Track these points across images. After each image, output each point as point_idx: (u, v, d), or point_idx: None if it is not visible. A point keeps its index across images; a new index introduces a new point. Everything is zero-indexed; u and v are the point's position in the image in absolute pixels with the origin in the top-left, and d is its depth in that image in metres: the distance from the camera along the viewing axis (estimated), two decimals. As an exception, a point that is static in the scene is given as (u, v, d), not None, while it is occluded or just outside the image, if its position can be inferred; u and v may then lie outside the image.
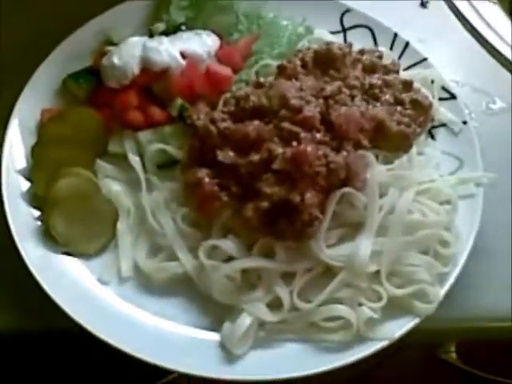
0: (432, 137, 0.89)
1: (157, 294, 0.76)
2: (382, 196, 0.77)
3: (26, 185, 0.81)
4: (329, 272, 0.75)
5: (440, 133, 0.89)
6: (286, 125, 0.77)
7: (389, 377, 1.08)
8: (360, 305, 0.73)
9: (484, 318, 0.81)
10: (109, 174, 0.83)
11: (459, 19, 1.11)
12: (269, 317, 0.73)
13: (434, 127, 0.89)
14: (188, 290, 0.76)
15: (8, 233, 0.76)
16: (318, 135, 0.77)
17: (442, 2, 1.12)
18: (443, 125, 0.90)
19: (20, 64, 0.91)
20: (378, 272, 0.74)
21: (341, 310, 0.73)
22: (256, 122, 0.77)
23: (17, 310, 0.77)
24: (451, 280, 0.76)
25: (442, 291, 0.75)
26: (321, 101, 0.80)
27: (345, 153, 0.77)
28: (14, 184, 0.80)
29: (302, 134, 0.76)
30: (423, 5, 1.12)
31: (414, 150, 0.82)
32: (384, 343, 0.73)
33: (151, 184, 0.81)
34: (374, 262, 0.74)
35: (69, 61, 0.89)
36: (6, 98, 0.86)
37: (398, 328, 0.73)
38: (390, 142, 0.81)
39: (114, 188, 0.82)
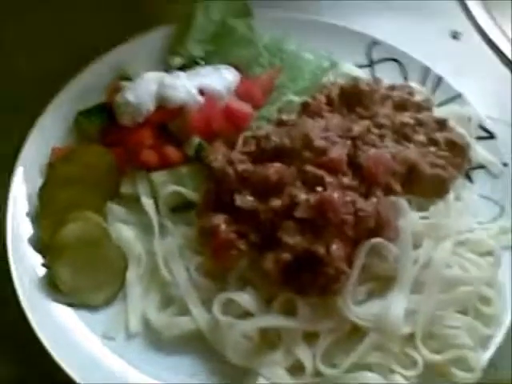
0: (469, 180, 0.83)
1: (165, 353, 0.71)
2: (416, 247, 0.71)
3: (31, 229, 0.77)
4: (356, 333, 0.69)
5: (478, 175, 0.84)
6: (309, 168, 0.72)
7: None
8: (392, 372, 0.67)
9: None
10: (120, 218, 0.79)
11: (494, 51, 1.05)
12: (289, 382, 0.67)
13: (471, 169, 0.83)
14: (200, 348, 0.71)
15: (10, 281, 0.72)
16: (345, 179, 0.72)
17: (476, 34, 1.07)
18: (481, 167, 0.84)
19: (33, 98, 0.88)
20: (412, 334, 0.68)
21: (370, 377, 0.67)
22: (277, 165, 0.73)
23: (17, 361, 0.73)
24: (495, 343, 0.70)
25: (485, 356, 0.69)
26: (348, 141, 0.75)
27: (374, 199, 0.71)
28: (19, 227, 0.77)
29: (328, 179, 0.71)
30: (455, 37, 1.07)
31: (450, 195, 0.76)
32: (420, 416, 0.65)
33: (165, 229, 0.77)
34: (407, 322, 0.68)
35: (82, 96, 0.86)
36: (16, 134, 0.82)
37: (436, 399, 0.66)
38: (424, 187, 0.76)
39: (125, 233, 0.78)
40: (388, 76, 0.90)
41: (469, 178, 0.83)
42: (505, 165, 0.83)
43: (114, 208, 0.79)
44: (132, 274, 0.75)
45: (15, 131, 0.84)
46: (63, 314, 0.72)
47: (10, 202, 0.77)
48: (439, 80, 0.91)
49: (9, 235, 0.75)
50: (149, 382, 0.69)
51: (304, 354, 0.67)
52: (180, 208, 0.79)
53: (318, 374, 0.67)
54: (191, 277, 0.73)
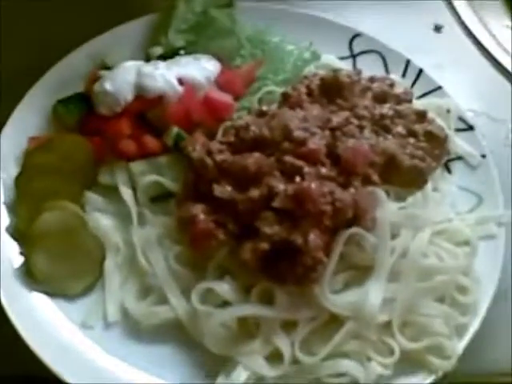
0: (448, 171, 0.84)
1: (144, 342, 0.71)
2: (393, 237, 0.71)
3: (8, 218, 0.76)
4: (334, 321, 0.69)
5: (457, 167, 0.84)
6: (288, 158, 0.72)
7: None
8: (369, 359, 0.68)
9: (508, 373, 0.74)
10: (98, 207, 0.78)
11: (475, 45, 1.06)
12: (267, 371, 0.67)
13: (450, 160, 0.84)
14: (179, 338, 0.71)
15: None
16: (324, 170, 0.71)
17: (457, 27, 1.07)
18: (460, 158, 0.84)
19: (11, 87, 0.87)
20: (389, 323, 0.69)
21: (347, 365, 0.67)
22: (256, 155, 0.73)
23: None
24: (471, 332, 0.70)
25: (461, 345, 0.69)
26: (327, 132, 0.75)
27: (352, 189, 0.71)
28: None
29: (306, 169, 0.70)
30: (437, 29, 1.07)
31: (428, 186, 0.76)
32: (396, 403, 0.66)
33: (143, 218, 0.76)
34: (384, 311, 0.68)
35: (60, 86, 0.85)
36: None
37: (412, 386, 0.67)
38: (403, 178, 0.76)
39: (103, 222, 0.77)
40: (370, 68, 0.90)
41: (448, 169, 0.83)
42: (483, 156, 0.84)
43: (92, 197, 0.78)
44: (110, 264, 0.74)
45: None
46: (41, 303, 0.72)
47: (-15, 191, 0.76)
48: (420, 72, 0.91)
49: (-16, 225, 0.74)
50: (127, 370, 0.68)
51: (282, 343, 0.67)
52: (159, 198, 0.79)
53: (296, 362, 0.67)
54: (170, 266, 0.72)
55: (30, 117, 0.83)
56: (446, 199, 0.79)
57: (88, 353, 0.69)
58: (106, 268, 0.74)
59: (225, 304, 0.69)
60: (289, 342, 0.67)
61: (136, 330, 0.71)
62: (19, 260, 0.74)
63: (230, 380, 0.66)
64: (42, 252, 0.72)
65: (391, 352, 0.68)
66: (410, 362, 0.68)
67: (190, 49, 0.89)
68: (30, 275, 0.72)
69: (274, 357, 0.68)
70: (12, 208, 0.76)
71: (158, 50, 0.89)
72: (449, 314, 0.70)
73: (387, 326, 0.69)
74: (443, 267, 0.71)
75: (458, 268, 0.72)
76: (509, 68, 1.03)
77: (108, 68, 0.85)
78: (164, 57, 0.87)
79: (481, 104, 0.96)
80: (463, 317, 0.70)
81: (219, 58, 0.87)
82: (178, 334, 0.71)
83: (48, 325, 0.70)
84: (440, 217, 0.75)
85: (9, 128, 0.81)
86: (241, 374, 0.66)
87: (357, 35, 0.94)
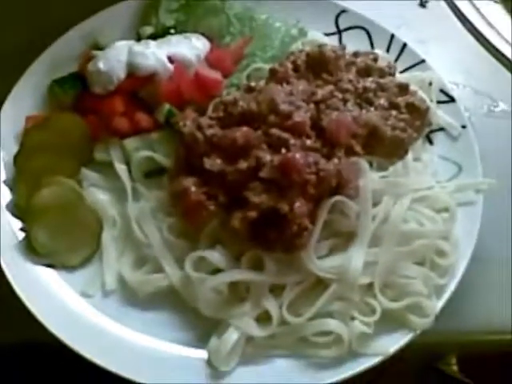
0: (430, 142, 0.86)
1: (142, 308, 0.74)
2: (375, 204, 0.74)
3: (8, 194, 0.79)
4: (320, 284, 0.72)
5: (438, 137, 0.86)
6: (274, 131, 0.74)
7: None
8: (352, 319, 0.71)
9: (482, 331, 0.78)
10: (94, 183, 0.81)
11: (460, 19, 1.08)
12: (257, 331, 0.70)
13: (431, 132, 0.86)
14: (174, 303, 0.74)
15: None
16: (308, 142, 0.74)
17: (442, 2, 1.09)
18: (441, 129, 0.87)
19: (6, 69, 0.89)
20: (371, 284, 0.72)
21: (332, 324, 0.70)
22: (244, 128, 0.75)
23: None
24: (448, 292, 0.73)
25: (439, 304, 0.72)
26: (312, 106, 0.78)
27: (336, 160, 0.74)
28: None
29: (292, 141, 0.73)
30: (422, 4, 1.09)
31: (409, 155, 0.79)
32: (378, 359, 0.70)
33: (138, 193, 0.79)
34: (366, 273, 0.71)
35: (56, 66, 0.87)
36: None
37: (393, 343, 0.71)
38: (384, 148, 0.79)
39: (100, 197, 0.80)
40: (355, 43, 0.92)
41: (429, 140, 0.86)
42: (464, 127, 0.86)
43: (88, 173, 0.81)
44: (107, 236, 0.77)
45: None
46: (42, 274, 0.75)
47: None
48: (404, 47, 0.93)
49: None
50: (127, 333, 0.71)
51: (271, 305, 0.70)
52: (152, 173, 0.81)
53: (284, 322, 0.70)
54: (164, 237, 0.75)
55: (26, 97, 0.85)
56: (428, 168, 0.81)
57: (89, 318, 0.72)
58: (104, 240, 0.77)
59: (217, 271, 0.72)
60: (277, 305, 0.70)
61: (133, 298, 0.74)
62: (20, 235, 0.76)
63: (222, 340, 0.69)
64: (41, 226, 0.75)
65: (373, 311, 0.70)
66: (390, 321, 0.71)
67: (180, 28, 0.91)
68: (31, 249, 0.75)
69: (263, 318, 0.70)
70: (12, 185, 0.79)
71: (149, 30, 0.91)
72: (428, 275, 0.72)
73: (369, 287, 0.71)
74: (423, 232, 0.74)
75: (437, 233, 0.74)
76: (493, 41, 1.05)
77: (101, 48, 0.87)
78: (155, 36, 0.89)
79: (464, 77, 0.98)
80: (441, 278, 0.73)
81: (208, 37, 0.89)
82: (173, 300, 0.73)
83: (50, 294, 0.73)
84: (421, 185, 0.77)
85: (6, 108, 0.83)
86: (232, 335, 0.69)
87: (342, 11, 0.96)
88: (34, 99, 0.86)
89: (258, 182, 0.72)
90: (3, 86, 0.85)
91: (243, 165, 0.73)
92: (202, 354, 0.70)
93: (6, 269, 0.73)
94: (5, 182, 0.79)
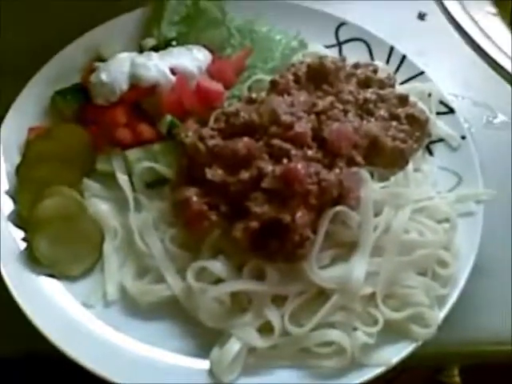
0: (430, 152, 0.87)
1: (143, 319, 0.74)
2: (376, 215, 0.74)
3: (10, 205, 0.79)
4: (322, 295, 0.72)
5: (438, 148, 0.87)
6: (276, 141, 0.75)
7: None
8: (355, 329, 0.71)
9: (484, 342, 0.78)
10: (96, 193, 0.81)
11: (458, 32, 1.09)
12: (259, 342, 0.70)
13: (431, 142, 0.87)
14: (175, 314, 0.74)
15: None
16: (310, 152, 0.75)
17: (441, 15, 1.11)
18: (441, 140, 0.87)
19: (8, 81, 0.90)
20: (373, 294, 0.72)
21: (334, 334, 0.70)
22: (246, 139, 0.75)
23: None
24: (450, 302, 0.73)
25: (441, 314, 0.73)
26: (313, 116, 0.78)
27: (337, 170, 0.74)
28: None
29: (293, 151, 0.74)
30: (421, 17, 1.10)
31: (410, 166, 0.80)
32: (380, 370, 0.69)
33: (140, 203, 0.79)
34: (368, 283, 0.71)
35: (58, 78, 0.88)
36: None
37: (395, 354, 0.70)
38: (385, 159, 0.79)
39: (101, 207, 0.80)
40: (355, 55, 0.93)
41: (429, 150, 0.87)
42: (463, 138, 0.87)
43: (90, 184, 0.81)
44: (109, 246, 0.77)
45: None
46: (44, 285, 0.75)
47: (-12, 180, 0.79)
48: (403, 58, 0.94)
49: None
50: (130, 343, 0.71)
51: (273, 316, 0.70)
52: (154, 183, 0.82)
53: (286, 333, 0.70)
54: (166, 248, 0.75)
55: (29, 108, 0.86)
56: (428, 179, 0.82)
57: (90, 328, 0.72)
58: (105, 250, 0.77)
59: (218, 281, 0.72)
60: (279, 315, 0.70)
61: (134, 308, 0.74)
62: (22, 245, 0.76)
63: (224, 351, 0.69)
64: (43, 237, 0.75)
65: (375, 322, 0.70)
66: (393, 331, 0.71)
67: (182, 40, 0.92)
68: (32, 259, 0.75)
69: (265, 329, 0.70)
70: (14, 195, 0.79)
71: (151, 42, 0.92)
72: (430, 285, 0.73)
73: (371, 297, 0.71)
74: (424, 242, 0.74)
75: (438, 243, 0.75)
76: (490, 54, 1.06)
77: (103, 60, 0.88)
78: (157, 48, 0.90)
79: (463, 89, 0.99)
80: (443, 288, 0.73)
81: (210, 48, 0.90)
82: (175, 311, 0.73)
83: (51, 305, 0.73)
84: (421, 195, 0.78)
85: (9, 120, 0.84)
86: (234, 346, 0.69)
87: (342, 24, 0.97)
88: (36, 110, 0.86)
89: (259, 193, 0.72)
90: (6, 97, 0.86)
91: (245, 175, 0.73)
92: (204, 364, 0.70)
93: (8, 279, 0.73)
94: (7, 192, 0.80)
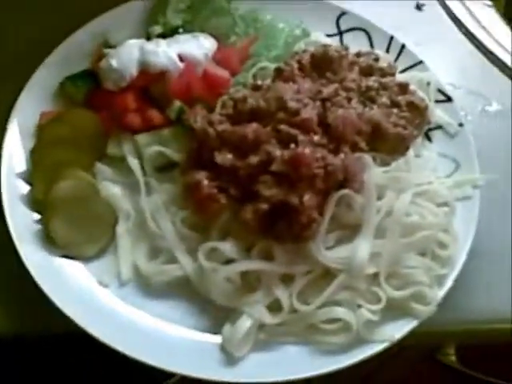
0: (428, 139, 0.90)
1: (157, 297, 0.76)
2: (379, 198, 0.77)
3: (25, 188, 0.81)
4: (328, 274, 0.74)
5: (436, 135, 0.90)
6: (283, 127, 0.77)
7: (388, 379, 1.08)
8: (359, 307, 0.73)
9: (483, 321, 0.81)
10: (108, 177, 0.83)
11: (454, 22, 1.11)
12: (268, 319, 0.73)
13: (430, 129, 0.90)
14: (188, 292, 0.76)
15: (8, 236, 0.76)
16: (316, 137, 0.77)
17: (438, 5, 1.13)
18: (439, 127, 0.90)
19: (18, 67, 0.90)
20: (376, 274, 0.74)
21: (340, 312, 0.73)
22: (254, 125, 0.77)
23: (16, 313, 0.77)
24: (449, 282, 0.77)
25: (441, 293, 0.76)
26: (318, 103, 0.80)
27: (342, 155, 0.77)
28: (13, 187, 0.79)
29: (300, 137, 0.76)
30: (419, 8, 1.13)
31: (410, 152, 0.82)
32: (384, 345, 0.73)
33: (150, 187, 0.81)
34: (372, 264, 0.74)
35: (67, 63, 0.89)
36: (4, 101, 0.86)
37: (398, 330, 0.73)
38: (387, 144, 0.82)
39: (113, 191, 0.81)
40: (356, 44, 0.94)
41: (428, 137, 0.89)
42: (460, 125, 0.89)
43: (102, 168, 0.82)
44: (122, 228, 0.79)
45: (3, 99, 0.86)
46: (60, 264, 0.77)
47: (3, 164, 0.80)
48: (402, 48, 0.96)
49: (4, 195, 0.78)
50: (144, 319, 0.74)
51: (281, 294, 0.72)
52: (163, 168, 0.83)
53: (294, 310, 0.73)
54: (177, 229, 0.77)
55: (40, 94, 0.86)
56: (427, 164, 0.84)
57: (107, 305, 0.74)
58: (118, 232, 0.79)
59: (228, 262, 0.74)
60: (287, 293, 0.73)
61: (148, 287, 0.76)
62: (38, 227, 0.78)
63: (235, 327, 0.72)
64: (59, 219, 0.77)
65: (378, 300, 0.73)
66: (395, 309, 0.74)
67: (187, 28, 0.93)
68: (49, 240, 0.77)
69: (274, 307, 0.73)
70: (29, 179, 0.81)
71: (158, 29, 0.93)
72: (430, 265, 0.76)
73: (375, 277, 0.74)
74: (425, 224, 0.77)
75: (438, 225, 0.78)
76: (486, 44, 1.09)
77: (111, 46, 0.89)
78: (164, 35, 0.91)
79: (459, 78, 1.01)
80: (442, 268, 0.76)
81: (215, 36, 0.92)
82: (187, 290, 0.75)
83: (69, 285, 0.75)
84: (422, 180, 0.80)
85: (21, 105, 0.85)
86: (245, 322, 0.71)
87: (343, 13, 0.99)
88: (46, 96, 0.87)
89: (268, 176, 0.74)
90: (16, 83, 0.87)
91: (254, 159, 0.75)
92: (217, 339, 0.73)
93: (25, 259, 0.75)
94: (22, 175, 0.81)
